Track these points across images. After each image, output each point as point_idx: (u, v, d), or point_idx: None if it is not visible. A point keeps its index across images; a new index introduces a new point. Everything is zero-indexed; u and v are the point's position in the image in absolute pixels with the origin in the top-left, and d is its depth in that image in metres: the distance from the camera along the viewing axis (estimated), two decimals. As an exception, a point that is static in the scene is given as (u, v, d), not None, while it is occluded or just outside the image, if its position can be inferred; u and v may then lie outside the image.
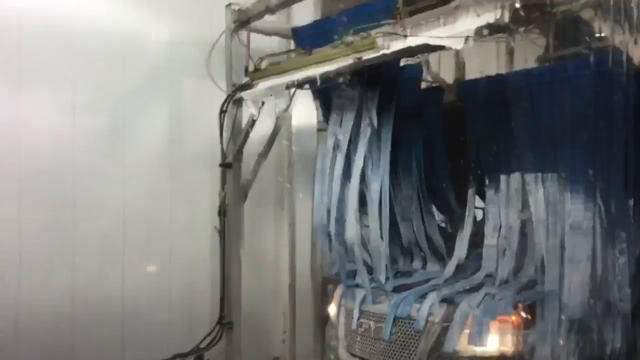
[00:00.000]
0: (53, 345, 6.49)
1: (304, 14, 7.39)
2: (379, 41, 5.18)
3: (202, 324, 7.12)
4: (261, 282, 7.72)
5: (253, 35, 6.93)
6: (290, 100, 6.46)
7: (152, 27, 7.24)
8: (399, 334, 5.10)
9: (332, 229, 5.67)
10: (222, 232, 7.00)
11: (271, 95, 6.24)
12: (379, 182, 5.63)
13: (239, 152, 7.02)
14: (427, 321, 4.96)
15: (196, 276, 7.41)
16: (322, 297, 7.17)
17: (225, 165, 6.99)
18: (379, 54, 5.21)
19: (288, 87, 6.02)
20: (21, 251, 6.40)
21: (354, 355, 5.45)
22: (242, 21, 6.87)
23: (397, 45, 5.19)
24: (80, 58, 6.73)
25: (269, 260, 7.89)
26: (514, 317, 4.71)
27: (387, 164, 5.68)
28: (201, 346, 6.88)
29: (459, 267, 5.74)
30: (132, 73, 7.09)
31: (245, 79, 6.78)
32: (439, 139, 6.28)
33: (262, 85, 6.42)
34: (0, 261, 6.30)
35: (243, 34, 6.93)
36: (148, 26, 7.21)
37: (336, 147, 5.79)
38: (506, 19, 4.53)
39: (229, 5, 6.95)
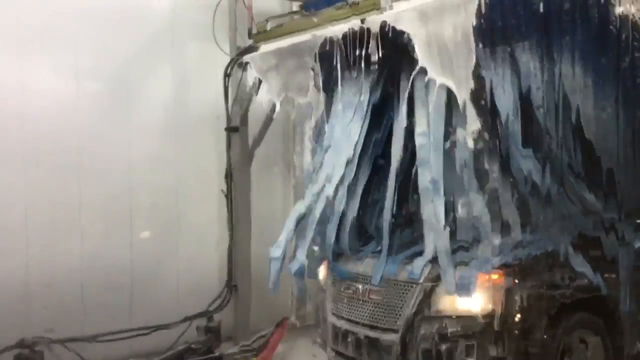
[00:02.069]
0: (63, 311, 6.52)
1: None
2: (383, 2, 5.09)
3: (211, 287, 7.19)
4: (268, 244, 7.69)
5: (255, -2, 6.85)
6: None
7: (154, -11, 7.15)
8: (385, 295, 5.13)
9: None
10: (229, 195, 7.00)
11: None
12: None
13: (245, 116, 6.99)
14: (415, 281, 4.97)
15: (204, 240, 7.44)
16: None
17: (231, 129, 6.96)
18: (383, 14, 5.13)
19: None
20: (27, 218, 6.41)
21: (341, 318, 5.49)
22: (245, -18, 6.76)
23: (402, 5, 5.11)
24: (82, 22, 6.65)
25: (276, 223, 7.86)
26: (497, 276, 4.73)
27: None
28: (210, 309, 6.94)
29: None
30: (135, 37, 7.01)
31: (249, 42, 6.71)
32: None
33: (265, 47, 6.34)
34: (8, 228, 6.32)
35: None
36: (150, -12, 7.12)
37: (354, 112, 5.65)
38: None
39: (231, -34, 6.86)
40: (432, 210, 5.05)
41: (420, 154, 5.21)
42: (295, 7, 7.18)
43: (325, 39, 5.55)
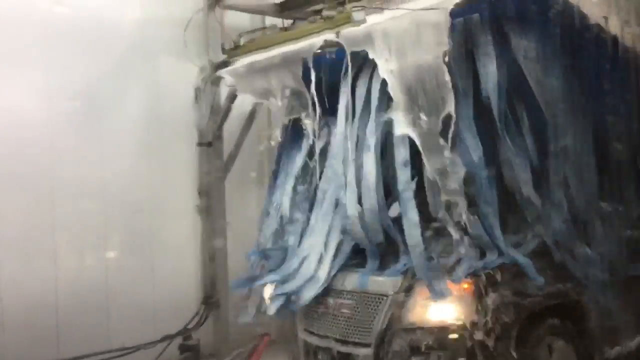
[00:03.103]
0: (37, 334, 6.38)
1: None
2: (356, 15, 5.12)
3: (188, 304, 7.12)
4: (245, 259, 7.65)
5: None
6: None
7: (124, 7, 7.08)
8: (356, 309, 5.07)
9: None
10: (205, 211, 6.96)
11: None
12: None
13: (219, 130, 6.97)
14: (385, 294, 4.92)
15: (179, 257, 7.36)
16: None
17: (205, 144, 6.93)
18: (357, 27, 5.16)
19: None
20: (-1, 240, 6.30)
21: (313, 334, 5.39)
22: (216, -1, 6.76)
23: (375, 18, 5.15)
24: (52, 40, 6.56)
25: (252, 237, 7.83)
26: (468, 285, 4.68)
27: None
28: (189, 327, 6.86)
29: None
30: (106, 54, 6.93)
31: (222, 57, 6.70)
32: None
33: (241, 62, 6.35)
34: (-22, 253, 6.20)
35: (217, 11, 6.82)
36: (119, 6, 7.05)
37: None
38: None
39: (203, -18, 6.86)
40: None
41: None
42: (266, 22, 7.26)
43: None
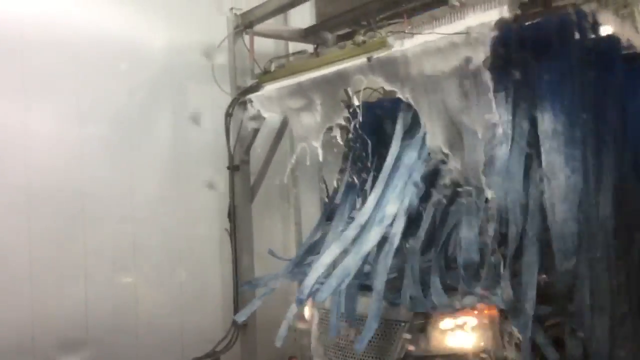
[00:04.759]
0: (67, 355, 6.50)
1: (302, 16, 7.54)
2: (390, 40, 5.25)
3: (216, 327, 7.15)
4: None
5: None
6: None
7: (152, 34, 7.21)
8: (374, 335, 4.87)
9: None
10: (233, 234, 7.04)
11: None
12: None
13: (246, 154, 7.07)
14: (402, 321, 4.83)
15: (207, 280, 7.45)
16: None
17: (233, 168, 7.02)
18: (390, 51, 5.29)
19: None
20: (32, 263, 6.38)
21: None
22: (245, 25, 6.87)
23: (406, 44, 5.27)
24: (83, 68, 6.70)
25: (277, 260, 7.89)
26: (488, 310, 4.57)
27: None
28: (217, 349, 6.90)
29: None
30: (135, 81, 7.09)
31: (250, 82, 6.83)
32: None
33: (271, 86, 6.46)
34: (12, 273, 6.30)
35: (245, 37, 6.95)
36: (148, 33, 7.18)
37: None
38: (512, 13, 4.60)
39: (231, 9, 7.00)
40: None
41: None
42: (291, 48, 7.41)
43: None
